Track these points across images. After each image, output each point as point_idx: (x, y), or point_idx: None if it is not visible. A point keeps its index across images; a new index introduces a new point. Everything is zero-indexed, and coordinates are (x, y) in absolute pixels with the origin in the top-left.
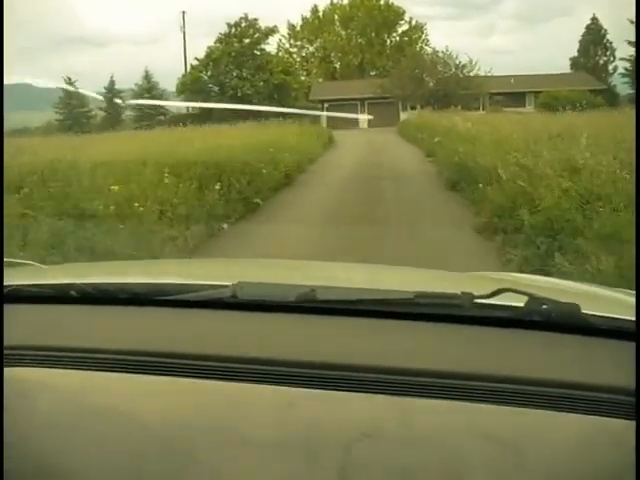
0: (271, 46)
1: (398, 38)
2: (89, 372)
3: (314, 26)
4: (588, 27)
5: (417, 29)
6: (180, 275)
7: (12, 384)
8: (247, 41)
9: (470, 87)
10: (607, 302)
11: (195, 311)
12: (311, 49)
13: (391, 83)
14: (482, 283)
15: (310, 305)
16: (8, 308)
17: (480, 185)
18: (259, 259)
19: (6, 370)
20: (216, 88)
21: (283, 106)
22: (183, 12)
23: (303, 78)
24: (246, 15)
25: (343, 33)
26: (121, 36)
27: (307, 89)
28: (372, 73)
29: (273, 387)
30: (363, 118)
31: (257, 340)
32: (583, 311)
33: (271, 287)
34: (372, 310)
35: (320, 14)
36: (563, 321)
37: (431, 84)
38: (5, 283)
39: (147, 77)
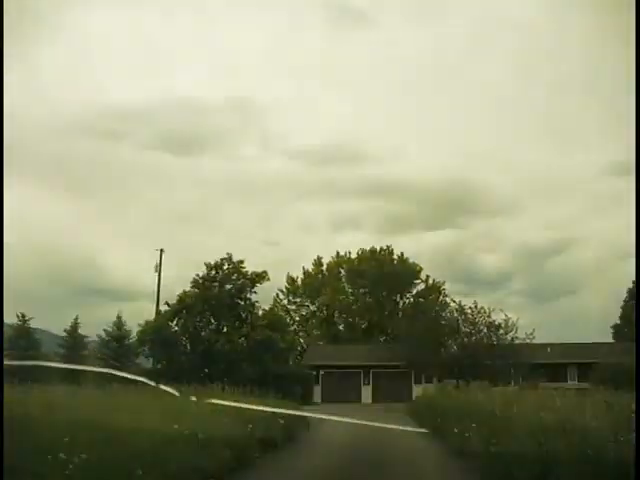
0: (258, 295)
1: (412, 299)
2: None
3: (317, 281)
4: (630, 291)
5: (435, 289)
6: None
7: None
8: (228, 287)
9: (507, 356)
10: None
11: None
12: (312, 308)
13: (403, 349)
14: None
15: None
16: None
17: None
18: None
19: None
20: (187, 341)
21: (265, 369)
22: (161, 250)
23: (302, 340)
24: (230, 256)
25: (349, 291)
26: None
27: (301, 350)
28: (381, 339)
29: None
30: (366, 392)
31: None
32: None
33: None
34: None
35: (324, 267)
36: None
37: (453, 349)
38: None
39: (118, 324)
